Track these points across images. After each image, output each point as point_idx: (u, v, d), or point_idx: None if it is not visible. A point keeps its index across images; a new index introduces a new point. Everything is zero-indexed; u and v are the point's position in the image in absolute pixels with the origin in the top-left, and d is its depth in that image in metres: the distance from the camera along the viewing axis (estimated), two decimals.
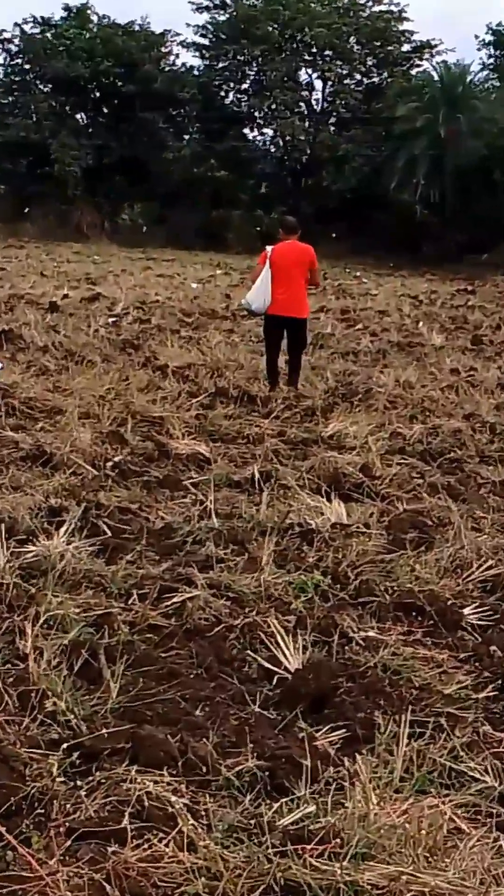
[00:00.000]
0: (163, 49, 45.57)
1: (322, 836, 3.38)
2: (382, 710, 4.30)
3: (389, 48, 44.50)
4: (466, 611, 5.47)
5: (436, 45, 44.71)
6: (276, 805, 3.58)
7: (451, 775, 3.91)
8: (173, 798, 3.55)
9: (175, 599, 5.30)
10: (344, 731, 4.17)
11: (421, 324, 19.44)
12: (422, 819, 3.44)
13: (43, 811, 3.47)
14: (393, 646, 4.97)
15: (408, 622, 5.31)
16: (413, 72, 44.60)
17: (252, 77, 44.88)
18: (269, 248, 11.78)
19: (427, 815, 3.46)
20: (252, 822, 3.50)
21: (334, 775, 3.82)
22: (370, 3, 44.38)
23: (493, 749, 4.13)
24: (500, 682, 4.72)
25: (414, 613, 5.38)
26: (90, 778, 3.69)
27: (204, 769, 3.81)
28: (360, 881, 3.16)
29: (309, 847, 3.33)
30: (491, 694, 4.63)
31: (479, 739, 4.21)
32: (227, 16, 44.51)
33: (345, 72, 44.82)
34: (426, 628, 5.26)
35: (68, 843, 3.31)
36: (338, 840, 3.35)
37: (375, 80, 44.85)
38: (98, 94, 44.87)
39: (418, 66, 44.88)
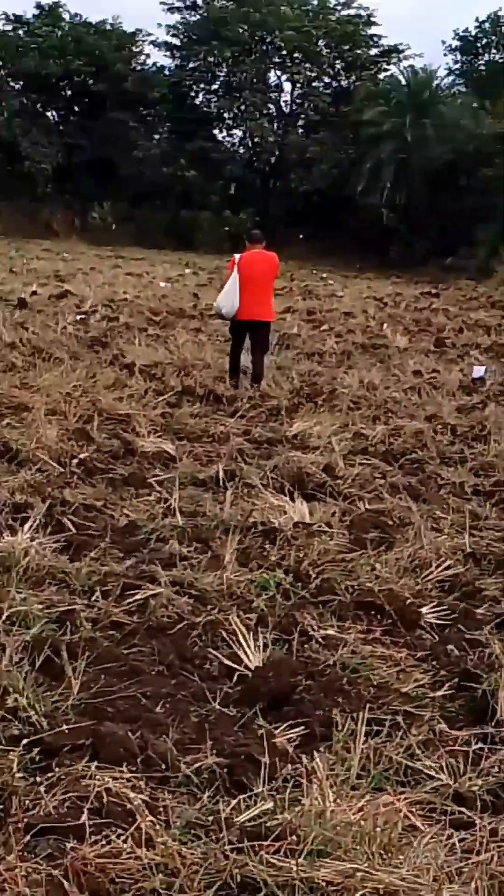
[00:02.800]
0: (134, 48, 45.51)
1: (279, 833, 3.38)
2: (340, 709, 4.31)
3: (357, 52, 44.63)
4: (425, 610, 5.49)
5: (403, 50, 44.98)
6: (234, 802, 3.58)
7: (406, 773, 3.92)
8: (132, 794, 3.54)
9: (138, 597, 5.30)
10: (302, 728, 4.17)
11: (385, 326, 19.51)
12: (377, 816, 3.44)
13: (2, 807, 3.45)
14: (352, 644, 4.98)
15: (367, 621, 5.32)
16: (381, 76, 44.80)
17: (222, 78, 44.88)
18: (236, 256, 12.16)
19: (383, 813, 3.47)
20: (210, 818, 3.50)
21: (292, 772, 3.82)
22: (339, 7, 44.47)
23: (449, 747, 4.15)
24: (456, 680, 4.73)
25: (373, 612, 5.39)
26: (50, 774, 3.67)
27: (163, 766, 3.81)
28: (316, 878, 3.17)
29: (266, 844, 3.32)
30: (447, 693, 4.65)
31: (434, 738, 4.22)
32: (199, 17, 44.48)
33: (313, 74, 44.91)
34: (385, 627, 5.28)
35: (27, 838, 3.30)
36: (294, 837, 3.36)
37: (343, 83, 44.97)
38: (69, 93, 44.74)
39: (386, 70, 45.14)
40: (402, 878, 3.17)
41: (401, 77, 42.99)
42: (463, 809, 3.72)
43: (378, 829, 3.38)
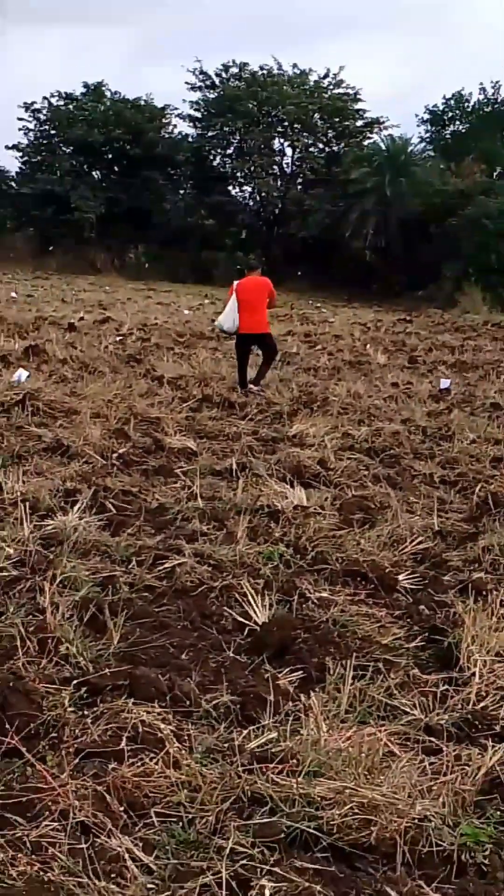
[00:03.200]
0: (163, 120, 45.21)
1: (282, 758, 3.38)
2: (332, 657, 4.31)
3: (346, 123, 44.33)
4: (401, 577, 5.48)
5: (384, 122, 44.60)
6: (245, 732, 3.59)
7: (386, 709, 3.92)
8: (162, 725, 3.54)
9: (166, 565, 5.30)
10: (301, 672, 4.18)
11: (368, 346, 19.45)
12: (362, 744, 3.44)
13: (56, 735, 3.47)
14: (341, 604, 4.98)
15: (354, 586, 5.32)
16: (365, 143, 44.35)
17: (235, 144, 44.61)
18: (235, 283, 12.57)
19: (366, 741, 3.46)
20: (225, 745, 3.50)
21: (293, 708, 3.83)
22: (331, 87, 44.11)
23: (421, 688, 4.15)
24: (426, 634, 4.73)
25: (359, 579, 5.39)
26: (95, 709, 3.68)
27: (187, 702, 3.81)
28: (312, 794, 3.17)
29: (271, 766, 3.33)
30: (419, 644, 4.65)
31: (409, 681, 4.22)
32: (216, 94, 44.21)
33: (310, 141, 44.59)
34: (368, 591, 5.27)
35: (76, 761, 3.31)
36: (294, 761, 3.36)
37: (335, 148, 44.61)
38: (110, 156, 44.52)
39: (369, 138, 44.71)
40: (382, 794, 3.17)
41: (381, 144, 42.67)
42: (432, 739, 3.72)
43: (363, 755, 3.38)
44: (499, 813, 3.27)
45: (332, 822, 3.07)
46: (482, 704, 4.00)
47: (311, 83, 43.91)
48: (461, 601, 5.00)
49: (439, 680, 4.23)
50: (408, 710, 3.92)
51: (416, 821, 3.11)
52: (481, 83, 54.15)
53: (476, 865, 3.03)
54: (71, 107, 44.07)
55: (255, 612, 4.69)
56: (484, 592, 5.21)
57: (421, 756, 3.54)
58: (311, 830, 3.04)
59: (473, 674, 4.20)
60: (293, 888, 2.80)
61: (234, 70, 44.02)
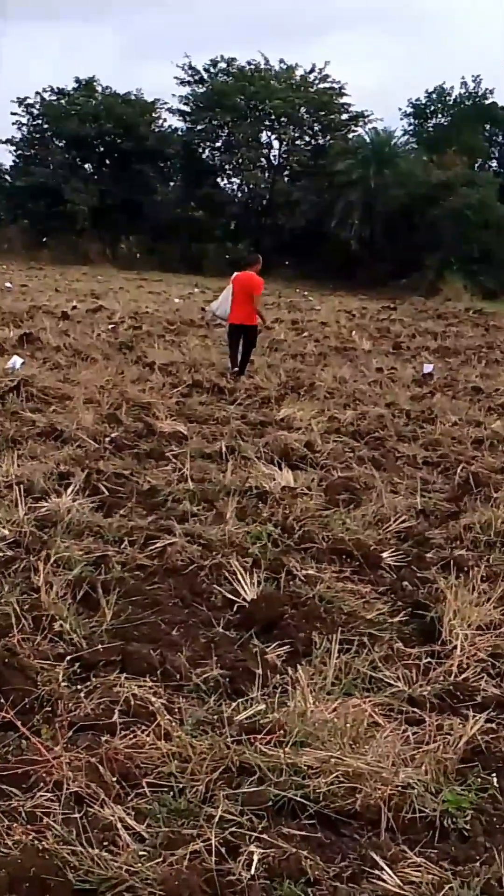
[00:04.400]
0: (153, 114, 44.84)
1: (270, 729, 3.38)
2: (318, 631, 4.31)
3: (332, 117, 44.06)
4: (385, 555, 5.48)
5: (368, 116, 44.34)
6: (234, 704, 3.58)
7: (370, 681, 3.93)
8: (153, 699, 3.54)
9: (158, 545, 5.28)
10: (288, 647, 4.18)
11: (354, 333, 19.42)
12: (348, 715, 3.45)
13: (50, 709, 3.46)
14: (327, 581, 4.97)
15: (339, 563, 5.31)
16: (350, 136, 44.17)
17: (223, 137, 44.30)
18: (235, 274, 12.84)
19: (352, 713, 3.47)
20: (215, 717, 3.50)
21: (280, 681, 3.83)
22: (317, 81, 43.84)
23: (404, 661, 4.16)
24: (410, 609, 4.73)
25: (344, 556, 5.38)
26: (88, 683, 3.68)
27: (178, 676, 3.81)
28: (299, 763, 3.17)
29: (259, 737, 3.33)
30: (403, 619, 4.65)
31: (393, 654, 4.23)
32: (205, 89, 43.88)
33: (296, 135, 44.38)
34: (353, 568, 5.27)
35: (70, 734, 3.30)
36: (282, 731, 3.36)
37: (321, 141, 44.37)
38: (102, 149, 44.17)
39: (354, 131, 44.49)
40: (367, 763, 3.18)
41: (366, 137, 42.49)
42: (416, 710, 3.73)
43: (348, 725, 3.38)
44: (479, 780, 3.29)
45: (318, 791, 3.07)
46: (463, 676, 4.01)
47: (298, 78, 43.66)
48: (443, 577, 5.00)
49: (422, 653, 4.24)
50: (391, 682, 3.92)
51: (399, 788, 3.12)
52: (462, 77, 54.09)
53: (457, 830, 3.04)
54: (63, 102, 43.71)
55: (243, 590, 4.68)
56: (465, 569, 5.22)
57: (404, 726, 3.54)
58: (298, 798, 3.04)
59: (455, 647, 4.22)
60: (281, 854, 2.80)
61: (223, 65, 43.78)
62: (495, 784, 3.29)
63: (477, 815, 3.11)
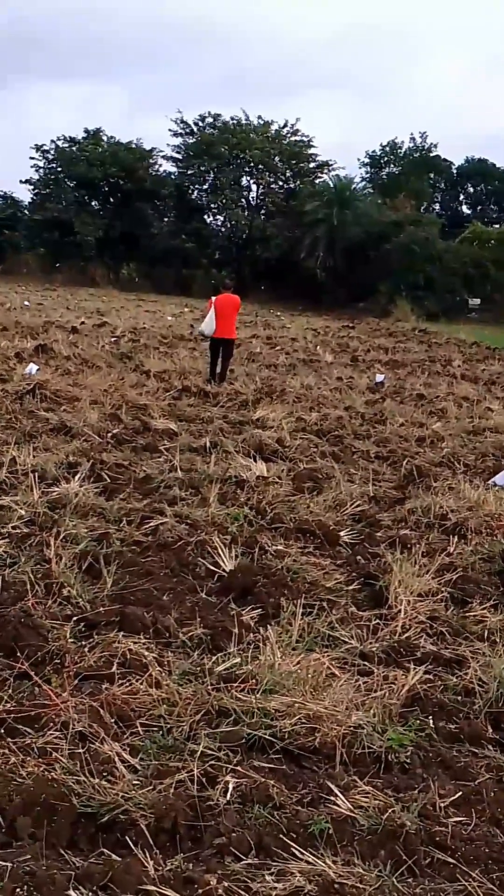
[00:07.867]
0: (151, 160, 44.67)
1: (244, 678, 3.39)
2: (285, 597, 4.32)
3: (301, 164, 44.01)
4: (342, 533, 5.50)
5: (332, 164, 44.37)
6: (214, 658, 3.59)
7: (328, 639, 3.94)
8: (146, 653, 3.54)
9: (151, 524, 5.27)
10: (260, 610, 4.19)
11: (318, 347, 19.44)
12: (309, 667, 3.46)
13: (59, 661, 3.44)
14: (294, 556, 4.98)
15: (304, 540, 5.32)
16: (317, 181, 44.16)
17: (210, 181, 44.10)
18: (213, 298, 12.80)
19: (312, 665, 3.48)
20: (198, 669, 3.50)
21: (253, 639, 3.83)
22: (289, 134, 43.75)
23: (357, 622, 4.17)
24: (362, 579, 4.75)
25: (308, 535, 5.39)
26: (91, 640, 3.67)
27: (167, 634, 3.81)
28: (268, 707, 3.18)
29: (235, 685, 3.34)
30: (356, 587, 4.67)
31: (347, 616, 4.24)
32: (194, 140, 43.72)
33: (272, 179, 44.26)
34: (316, 545, 5.28)
35: (76, 682, 3.29)
36: (254, 681, 3.37)
37: (292, 185, 44.27)
38: (107, 189, 43.87)
39: (320, 177, 44.43)
40: (325, 707, 3.20)
41: (330, 182, 42.46)
42: (366, 663, 3.75)
43: (309, 676, 3.40)
44: (418, 722, 3.32)
45: (284, 730, 3.09)
46: (406, 635, 4.04)
47: (273, 131, 43.64)
48: (390, 553, 5.03)
49: (372, 616, 4.26)
50: (346, 639, 3.94)
51: (351, 728, 3.14)
52: (411, 133, 54.18)
53: (400, 764, 3.07)
54: (74, 148, 43.53)
55: (223, 562, 4.68)
56: (409, 546, 5.26)
57: (356, 677, 3.57)
58: (267, 737, 3.06)
59: (399, 611, 4.24)
60: (252, 783, 2.81)
61: (210, 120, 43.80)
62: (431, 725, 3.32)
63: (416, 751, 3.14)
